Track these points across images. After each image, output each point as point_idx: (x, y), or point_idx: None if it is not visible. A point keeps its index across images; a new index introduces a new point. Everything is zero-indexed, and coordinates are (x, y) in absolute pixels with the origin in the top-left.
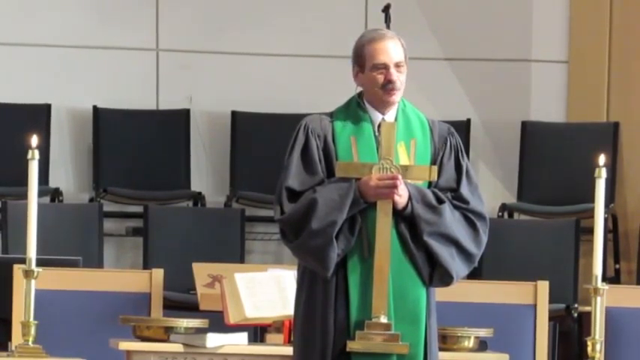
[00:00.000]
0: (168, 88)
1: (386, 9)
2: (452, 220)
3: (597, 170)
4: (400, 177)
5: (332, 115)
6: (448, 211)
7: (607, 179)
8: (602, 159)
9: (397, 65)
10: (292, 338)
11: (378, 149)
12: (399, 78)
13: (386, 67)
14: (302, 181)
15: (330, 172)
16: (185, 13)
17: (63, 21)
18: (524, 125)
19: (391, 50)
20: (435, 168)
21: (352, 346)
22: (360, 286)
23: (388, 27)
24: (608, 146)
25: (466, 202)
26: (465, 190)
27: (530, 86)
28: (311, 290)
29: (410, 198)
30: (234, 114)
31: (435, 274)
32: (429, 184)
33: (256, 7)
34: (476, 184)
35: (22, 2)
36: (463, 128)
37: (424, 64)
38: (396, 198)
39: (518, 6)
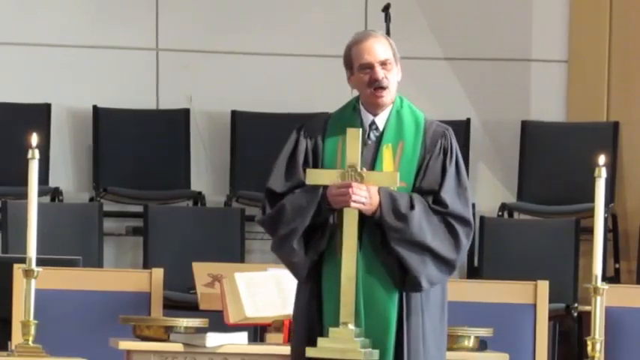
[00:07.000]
0: (168, 88)
1: (386, 9)
2: (422, 227)
3: (597, 170)
4: (355, 184)
5: (329, 117)
6: (418, 217)
7: (607, 179)
8: (602, 159)
9: (383, 63)
10: None
11: (363, 152)
12: (386, 76)
13: (370, 66)
14: (282, 183)
15: None
16: (185, 13)
17: (63, 21)
18: (524, 125)
19: (375, 49)
20: (397, 174)
21: (310, 352)
22: (333, 291)
23: (388, 27)
24: (608, 146)
25: (445, 205)
26: (446, 193)
27: (530, 86)
28: (298, 289)
29: (380, 205)
30: (234, 114)
31: (407, 279)
32: (414, 187)
33: (256, 7)
34: (465, 186)
35: (22, 2)
36: (463, 128)
37: (424, 64)
38: (360, 206)
39: (518, 6)
